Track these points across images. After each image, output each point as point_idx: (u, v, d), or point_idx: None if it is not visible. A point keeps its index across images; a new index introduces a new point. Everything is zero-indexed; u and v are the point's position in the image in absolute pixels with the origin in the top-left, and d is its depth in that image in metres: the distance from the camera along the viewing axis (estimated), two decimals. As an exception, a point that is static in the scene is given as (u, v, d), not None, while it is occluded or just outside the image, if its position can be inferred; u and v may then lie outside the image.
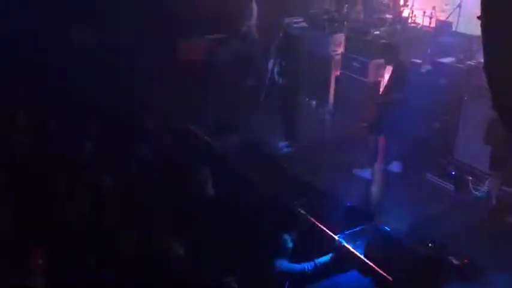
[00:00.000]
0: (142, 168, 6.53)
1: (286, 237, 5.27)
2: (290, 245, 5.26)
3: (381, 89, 7.50)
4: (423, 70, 7.69)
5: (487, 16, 2.87)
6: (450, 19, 9.15)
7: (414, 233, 5.61)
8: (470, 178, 6.67)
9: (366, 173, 6.98)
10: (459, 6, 8.81)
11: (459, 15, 8.90)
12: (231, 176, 6.87)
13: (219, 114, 8.47)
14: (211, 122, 8.27)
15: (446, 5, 9.40)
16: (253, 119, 8.51)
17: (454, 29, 9.15)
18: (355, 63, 8.47)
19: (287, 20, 10.04)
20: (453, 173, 6.86)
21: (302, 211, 5.91)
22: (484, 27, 2.90)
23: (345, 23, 9.45)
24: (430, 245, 5.34)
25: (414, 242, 5.39)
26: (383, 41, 8.05)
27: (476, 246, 5.58)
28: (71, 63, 8.15)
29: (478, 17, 2.94)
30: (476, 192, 6.57)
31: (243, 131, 8.11)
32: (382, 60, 8.28)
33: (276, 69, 7.50)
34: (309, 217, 5.84)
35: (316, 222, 5.82)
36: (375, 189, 6.76)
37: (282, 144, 7.81)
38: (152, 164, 6.68)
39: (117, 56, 8.59)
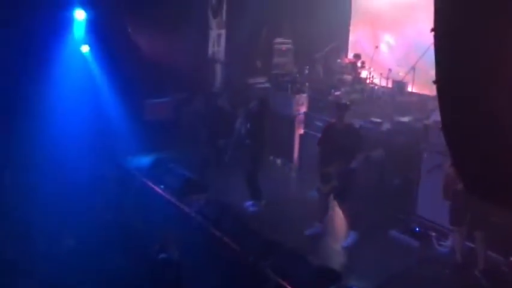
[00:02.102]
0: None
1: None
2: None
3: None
4: (383, 129, 7.95)
5: (441, 80, 3.03)
6: (405, 80, 9.62)
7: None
8: (434, 234, 6.76)
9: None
10: (413, 68, 9.30)
11: (414, 77, 9.39)
12: (197, 236, 6.74)
13: (185, 173, 8.40)
14: (177, 182, 8.17)
15: (399, 65, 9.91)
16: (220, 178, 8.48)
17: (409, 89, 9.60)
18: (318, 122, 8.69)
19: (251, 80, 10.33)
20: (417, 229, 6.95)
21: (270, 272, 5.79)
22: (439, 90, 3.06)
23: (307, 84, 9.77)
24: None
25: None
26: (339, 101, 8.21)
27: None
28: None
29: (434, 82, 3.10)
30: (441, 248, 6.64)
31: (209, 191, 8.04)
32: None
33: (243, 130, 7.57)
34: (277, 278, 5.72)
35: (285, 283, 5.70)
36: (342, 248, 6.76)
37: (248, 203, 7.77)
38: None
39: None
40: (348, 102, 7.69)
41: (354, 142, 6.58)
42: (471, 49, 2.64)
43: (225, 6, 10.80)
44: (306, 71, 10.48)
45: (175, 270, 5.47)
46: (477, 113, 2.79)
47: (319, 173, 6.81)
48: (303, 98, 9.39)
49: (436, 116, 6.29)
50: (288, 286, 5.68)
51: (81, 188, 7.18)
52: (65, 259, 5.68)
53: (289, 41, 11.25)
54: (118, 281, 5.33)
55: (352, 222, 6.89)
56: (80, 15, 9.01)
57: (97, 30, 9.02)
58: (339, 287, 5.71)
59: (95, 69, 9.05)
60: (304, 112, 9.25)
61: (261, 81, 10.43)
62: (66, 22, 8.93)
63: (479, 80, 2.79)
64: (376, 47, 10.64)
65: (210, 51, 10.85)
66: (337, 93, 9.48)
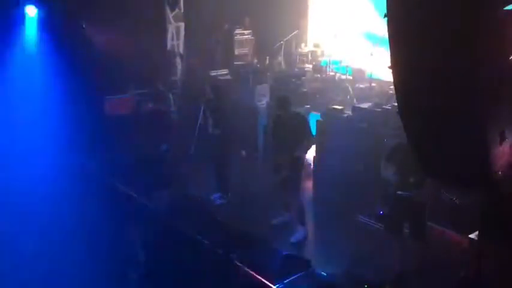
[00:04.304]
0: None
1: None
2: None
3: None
4: (344, 115, 8.05)
5: (396, 66, 3.10)
6: (364, 67, 9.80)
7: (350, 275, 5.66)
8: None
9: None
10: (371, 54, 9.46)
11: (372, 63, 9.57)
12: (164, 233, 6.67)
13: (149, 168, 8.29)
14: (141, 178, 8.05)
15: (358, 52, 10.08)
16: (185, 172, 8.41)
17: (368, 76, 9.77)
18: (280, 112, 8.70)
19: (212, 72, 10.28)
20: (381, 212, 7.08)
21: (239, 263, 5.80)
22: (395, 75, 3.13)
23: (268, 74, 9.80)
24: (365, 286, 5.41)
25: (351, 285, 5.45)
26: (280, 94, 8.16)
27: (412, 284, 5.71)
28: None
29: (389, 67, 3.17)
30: (406, 230, 6.77)
31: (175, 185, 7.97)
32: (307, 107, 8.63)
33: (210, 121, 7.51)
34: (246, 269, 5.74)
35: (254, 274, 5.73)
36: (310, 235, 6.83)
37: (215, 195, 7.75)
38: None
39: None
40: (287, 94, 7.60)
41: (302, 130, 6.52)
42: (421, 33, 2.71)
43: (182, -1, 10.69)
44: (267, 61, 10.52)
45: (141, 268, 5.42)
46: (430, 96, 2.88)
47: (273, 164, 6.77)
48: (265, 88, 9.42)
49: (394, 101, 6.38)
50: (257, 276, 5.71)
51: (41, 187, 7.00)
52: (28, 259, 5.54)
53: (249, 31, 11.25)
54: (84, 281, 5.24)
55: (299, 217, 6.78)
56: (31, 11, 8.73)
57: (50, 26, 8.77)
58: (308, 274, 5.78)
59: (50, 66, 8.79)
60: (267, 102, 9.28)
61: (222, 73, 10.39)
62: (17, 19, 8.64)
63: (431, 63, 2.87)
64: (335, 35, 10.78)
65: (169, 45, 10.73)
66: (298, 82, 9.57)
